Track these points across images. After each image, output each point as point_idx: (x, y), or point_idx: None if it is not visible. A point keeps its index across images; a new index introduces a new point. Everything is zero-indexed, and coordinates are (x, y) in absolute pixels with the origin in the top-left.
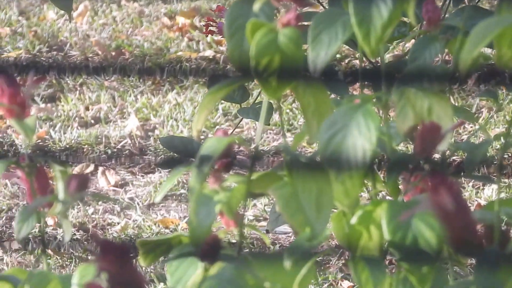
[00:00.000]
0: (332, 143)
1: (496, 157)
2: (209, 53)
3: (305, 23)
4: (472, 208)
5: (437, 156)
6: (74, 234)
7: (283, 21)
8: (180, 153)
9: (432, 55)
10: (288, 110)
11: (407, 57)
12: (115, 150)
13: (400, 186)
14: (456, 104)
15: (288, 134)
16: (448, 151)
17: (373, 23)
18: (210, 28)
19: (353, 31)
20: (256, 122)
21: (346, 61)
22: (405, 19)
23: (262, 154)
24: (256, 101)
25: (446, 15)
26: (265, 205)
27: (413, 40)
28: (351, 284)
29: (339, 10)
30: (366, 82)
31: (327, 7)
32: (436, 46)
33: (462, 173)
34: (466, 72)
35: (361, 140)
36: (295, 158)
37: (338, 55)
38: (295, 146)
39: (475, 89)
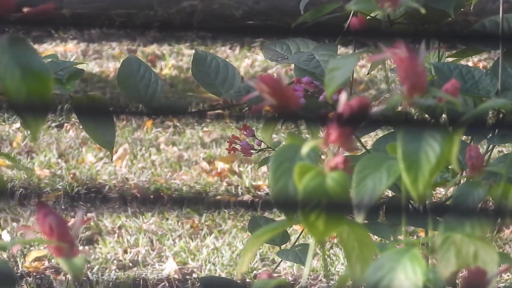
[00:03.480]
0: (379, 287)
1: None
2: (247, 197)
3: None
4: None
5: None
6: None
7: (330, 164)
8: None
9: (475, 201)
10: (326, 256)
11: (448, 202)
12: None
13: None
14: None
15: (324, 281)
16: None
17: (422, 168)
18: (234, 146)
19: (398, 175)
20: (294, 268)
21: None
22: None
23: None
24: (296, 244)
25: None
26: None
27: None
28: None
29: (384, 154)
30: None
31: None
32: (479, 192)
33: None
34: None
35: (407, 284)
36: None
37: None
38: None
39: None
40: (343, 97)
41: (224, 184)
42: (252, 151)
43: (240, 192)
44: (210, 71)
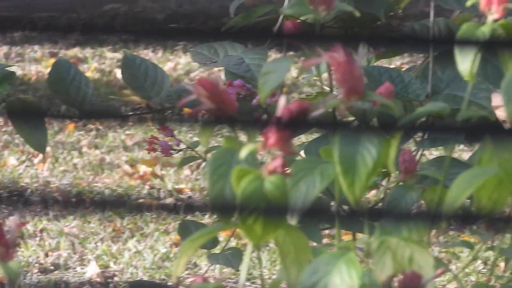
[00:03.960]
0: None
1: None
2: (169, 200)
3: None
4: None
5: None
6: None
7: (269, 168)
8: None
9: (408, 204)
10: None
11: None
12: None
13: None
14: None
15: (247, 283)
16: None
17: (358, 172)
18: (154, 146)
19: (331, 179)
20: (216, 271)
21: None
22: None
23: None
24: (226, 248)
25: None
26: None
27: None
28: None
29: (317, 158)
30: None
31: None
32: (412, 196)
33: None
34: (447, 223)
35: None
36: None
37: None
38: None
39: (448, 240)
40: (282, 101)
41: (147, 187)
42: (171, 151)
43: (162, 195)
44: (139, 75)
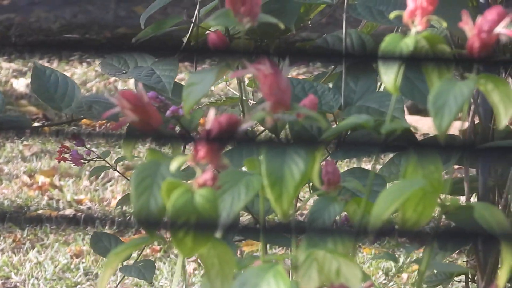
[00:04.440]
0: None
1: None
2: (69, 211)
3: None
4: None
5: None
6: None
7: (199, 181)
8: None
9: (331, 216)
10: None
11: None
12: None
13: None
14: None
15: None
16: None
17: (286, 184)
18: (64, 155)
19: (256, 191)
20: (117, 281)
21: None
22: None
23: None
24: (138, 260)
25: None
26: None
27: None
28: None
29: (241, 171)
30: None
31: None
32: (335, 207)
33: None
34: (375, 235)
35: None
36: None
37: None
38: None
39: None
40: (211, 113)
41: (46, 198)
42: (82, 160)
43: (61, 206)
44: (49, 86)
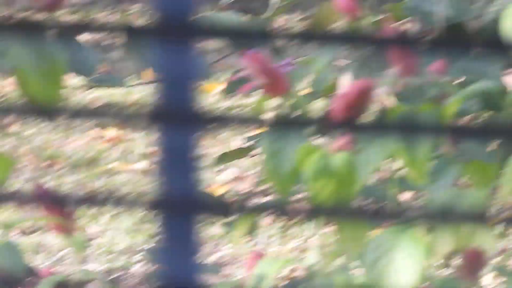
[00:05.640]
0: (376, 266)
1: None
2: (142, 165)
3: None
4: None
5: None
6: None
7: (336, 146)
8: None
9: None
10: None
11: None
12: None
13: None
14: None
15: None
16: None
17: (417, 151)
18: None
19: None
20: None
21: None
22: None
23: None
24: None
25: None
26: None
27: None
28: None
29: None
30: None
31: None
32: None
33: None
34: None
35: (407, 263)
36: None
37: None
38: None
39: None
40: (347, 78)
41: (117, 150)
42: None
43: (133, 159)
44: None
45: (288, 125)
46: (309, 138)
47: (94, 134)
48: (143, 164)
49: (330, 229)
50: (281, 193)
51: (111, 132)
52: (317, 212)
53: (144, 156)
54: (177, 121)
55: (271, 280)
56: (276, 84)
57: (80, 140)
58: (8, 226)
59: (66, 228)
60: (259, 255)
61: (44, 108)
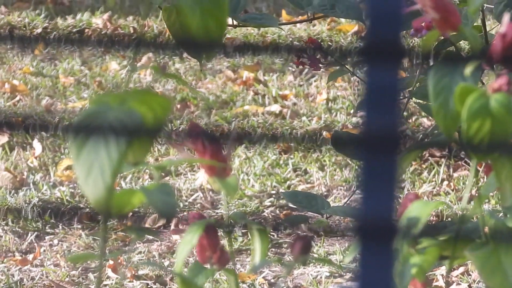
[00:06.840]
0: None
1: None
2: (275, 107)
3: None
4: None
5: None
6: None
7: (494, 86)
8: (304, 208)
9: None
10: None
11: None
12: (187, 203)
13: None
14: None
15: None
16: None
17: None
18: (302, 60)
19: None
20: (327, 178)
21: (413, 118)
22: None
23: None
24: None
25: None
26: (340, 262)
27: None
28: None
29: None
30: None
31: None
32: None
33: None
34: None
35: None
36: (499, 225)
37: (405, 113)
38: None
39: None
40: (506, 17)
41: (251, 93)
42: (320, 64)
43: (267, 102)
44: None
45: (455, 61)
46: (473, 76)
47: (228, 76)
48: (276, 107)
49: (462, 173)
50: (447, 132)
51: (244, 74)
52: (476, 150)
53: (276, 99)
54: None
55: (422, 223)
56: (447, 19)
57: (214, 82)
58: (159, 168)
59: (219, 171)
60: (412, 198)
61: (206, 44)
